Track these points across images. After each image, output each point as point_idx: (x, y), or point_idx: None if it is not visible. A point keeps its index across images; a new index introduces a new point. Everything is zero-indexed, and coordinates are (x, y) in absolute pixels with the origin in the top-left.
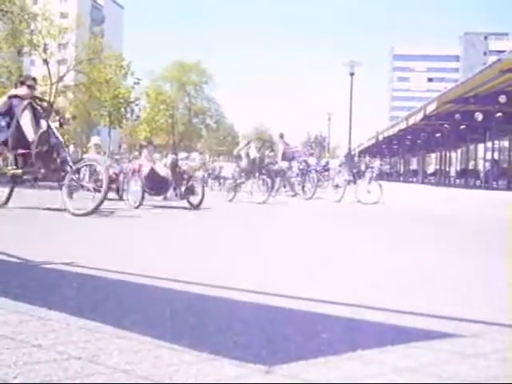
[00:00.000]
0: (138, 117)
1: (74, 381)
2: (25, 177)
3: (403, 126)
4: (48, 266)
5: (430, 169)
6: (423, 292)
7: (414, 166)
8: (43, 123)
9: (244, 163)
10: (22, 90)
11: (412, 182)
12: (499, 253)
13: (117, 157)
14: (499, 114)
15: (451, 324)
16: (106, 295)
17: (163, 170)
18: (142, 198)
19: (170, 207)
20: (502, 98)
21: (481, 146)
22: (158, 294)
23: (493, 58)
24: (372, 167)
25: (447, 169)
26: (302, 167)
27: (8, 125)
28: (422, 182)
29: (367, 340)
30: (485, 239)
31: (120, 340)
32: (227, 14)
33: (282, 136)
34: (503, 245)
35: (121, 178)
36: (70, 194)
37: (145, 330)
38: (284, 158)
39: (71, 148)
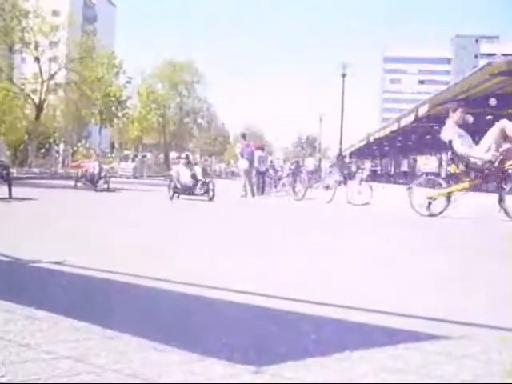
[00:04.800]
0: (127, 113)
1: (61, 380)
2: None
3: (394, 127)
4: (37, 264)
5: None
6: (415, 294)
7: (404, 167)
8: None
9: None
10: None
11: (402, 183)
12: (485, 253)
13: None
14: (489, 117)
15: (440, 326)
16: (94, 294)
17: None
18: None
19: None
20: (493, 101)
21: None
22: (146, 294)
23: (484, 61)
24: (363, 168)
25: (437, 170)
26: (292, 167)
27: None
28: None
29: (356, 341)
30: (475, 241)
31: (108, 339)
32: (220, 14)
33: (242, 136)
34: (488, 245)
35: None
36: None
37: (133, 329)
38: (242, 157)
39: (61, 147)
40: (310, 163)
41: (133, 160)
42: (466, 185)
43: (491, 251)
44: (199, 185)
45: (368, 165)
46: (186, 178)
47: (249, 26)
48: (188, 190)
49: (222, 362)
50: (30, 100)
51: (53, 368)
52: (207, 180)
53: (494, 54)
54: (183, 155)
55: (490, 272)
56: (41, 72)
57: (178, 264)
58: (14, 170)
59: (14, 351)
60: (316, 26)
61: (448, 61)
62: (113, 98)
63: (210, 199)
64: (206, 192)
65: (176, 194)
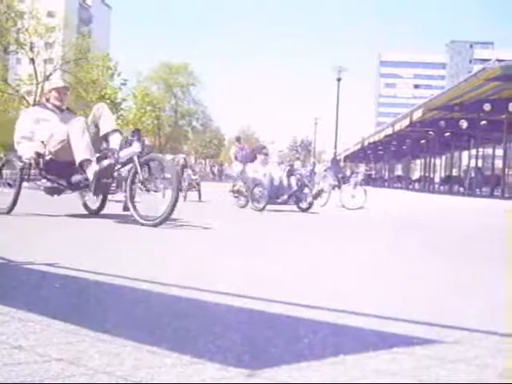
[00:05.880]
0: (122, 115)
1: (55, 381)
2: None
3: (389, 131)
4: (30, 266)
5: (415, 175)
6: (407, 298)
7: (398, 171)
8: None
9: None
10: None
11: (397, 187)
12: (482, 258)
13: None
14: (484, 122)
15: (434, 330)
16: (87, 297)
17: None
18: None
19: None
20: (487, 107)
21: (465, 154)
22: (137, 296)
23: (478, 67)
24: (357, 172)
25: (431, 175)
26: (287, 171)
27: None
28: (407, 188)
29: (350, 345)
30: (469, 245)
31: (101, 342)
32: (215, 18)
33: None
34: (485, 251)
35: None
36: None
37: (126, 332)
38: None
39: None
40: (298, 167)
41: None
42: None
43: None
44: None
45: (362, 169)
46: (280, 181)
47: (245, 29)
48: (276, 198)
49: (215, 365)
50: (24, 101)
51: (46, 370)
52: (306, 183)
53: (488, 60)
54: (276, 156)
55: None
56: (36, 73)
57: None
58: (7, 172)
59: (6, 353)
60: (312, 29)
61: (443, 66)
62: (108, 100)
63: (305, 210)
64: (300, 201)
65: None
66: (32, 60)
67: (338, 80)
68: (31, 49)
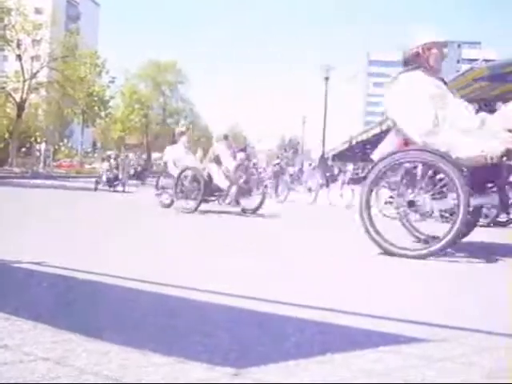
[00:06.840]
0: (110, 113)
1: (41, 381)
2: None
3: (377, 130)
4: (17, 264)
5: None
6: (394, 297)
7: None
8: None
9: None
10: None
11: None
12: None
13: None
14: None
15: (421, 329)
16: (75, 296)
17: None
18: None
19: None
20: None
21: None
22: (125, 295)
23: (466, 67)
24: (345, 171)
25: None
26: (275, 170)
27: None
28: None
29: (337, 344)
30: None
31: (88, 342)
32: (203, 16)
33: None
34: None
35: None
36: None
37: (113, 331)
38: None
39: (43, 146)
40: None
41: (115, 159)
42: None
43: None
44: None
45: (351, 167)
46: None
47: (233, 27)
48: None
49: (202, 365)
50: (11, 98)
51: (32, 370)
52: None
53: (476, 60)
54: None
55: None
56: (23, 70)
57: None
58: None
59: None
60: (300, 27)
61: None
62: (95, 98)
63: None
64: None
65: None
66: (19, 57)
67: (326, 79)
68: (18, 46)
